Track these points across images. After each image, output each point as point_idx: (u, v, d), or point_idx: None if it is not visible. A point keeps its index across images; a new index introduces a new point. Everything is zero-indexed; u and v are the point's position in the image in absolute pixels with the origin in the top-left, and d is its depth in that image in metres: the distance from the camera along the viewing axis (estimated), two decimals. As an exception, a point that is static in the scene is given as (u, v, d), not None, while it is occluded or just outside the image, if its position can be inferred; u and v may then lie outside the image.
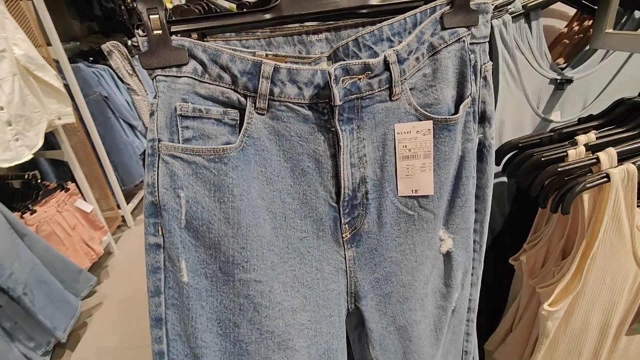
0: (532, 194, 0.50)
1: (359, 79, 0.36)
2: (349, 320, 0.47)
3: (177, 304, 0.38)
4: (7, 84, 1.24)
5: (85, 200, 1.67)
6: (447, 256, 0.46)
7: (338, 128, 0.37)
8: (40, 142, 1.39)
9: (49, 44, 1.54)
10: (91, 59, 1.97)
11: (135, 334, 1.42)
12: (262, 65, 0.34)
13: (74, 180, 1.65)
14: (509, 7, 0.55)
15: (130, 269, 1.80)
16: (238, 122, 0.36)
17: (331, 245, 0.42)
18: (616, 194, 0.44)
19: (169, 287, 0.38)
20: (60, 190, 1.53)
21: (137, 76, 2.26)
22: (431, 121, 0.39)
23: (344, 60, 0.37)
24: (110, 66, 1.93)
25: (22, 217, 1.33)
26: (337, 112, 0.36)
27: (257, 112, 0.36)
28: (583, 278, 0.49)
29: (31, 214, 1.38)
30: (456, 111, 0.41)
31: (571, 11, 0.72)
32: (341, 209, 0.40)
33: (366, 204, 0.41)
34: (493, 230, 0.72)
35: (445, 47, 0.39)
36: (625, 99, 0.52)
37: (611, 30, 0.55)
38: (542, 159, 0.49)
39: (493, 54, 0.58)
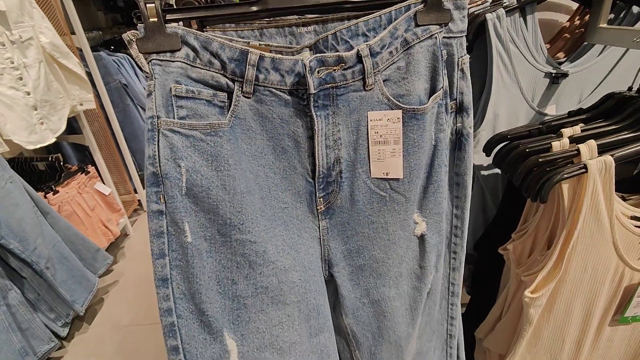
0: (515, 183, 0.51)
1: (334, 70, 0.40)
2: (327, 288, 0.50)
3: (180, 265, 0.41)
4: (33, 70, 1.32)
5: (104, 183, 1.75)
6: (421, 239, 0.49)
7: (313, 113, 0.41)
8: (63, 127, 1.47)
9: (72, 33, 1.62)
10: (112, 47, 2.04)
11: (149, 311, 1.50)
12: (249, 53, 0.38)
13: (94, 164, 1.74)
14: (503, 1, 0.56)
15: (145, 250, 1.88)
16: (226, 103, 0.40)
17: (307, 215, 0.46)
18: (594, 184, 0.45)
19: (172, 250, 0.41)
20: (81, 173, 1.62)
21: (155, 65, 2.32)
22: (401, 110, 0.43)
23: (324, 52, 0.41)
24: (130, 55, 2.00)
25: (45, 197, 1.42)
26: (312, 99, 0.40)
27: (243, 96, 0.40)
28: (564, 266, 0.51)
29: (54, 194, 1.47)
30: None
31: (575, 6, 0.72)
32: (316, 184, 0.44)
33: (340, 181, 0.45)
34: (487, 220, 0.74)
35: (418, 42, 0.42)
36: (615, 94, 0.52)
37: (605, 25, 0.55)
38: (527, 150, 0.51)
39: (487, 48, 0.59)
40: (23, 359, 1.13)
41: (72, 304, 1.33)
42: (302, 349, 0.45)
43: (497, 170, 0.69)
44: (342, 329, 0.52)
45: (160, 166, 0.39)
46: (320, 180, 0.44)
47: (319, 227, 0.47)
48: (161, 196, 0.40)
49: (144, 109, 2.09)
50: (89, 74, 1.65)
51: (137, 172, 2.09)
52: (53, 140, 1.42)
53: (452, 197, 0.52)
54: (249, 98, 0.40)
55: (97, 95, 1.75)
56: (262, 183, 0.43)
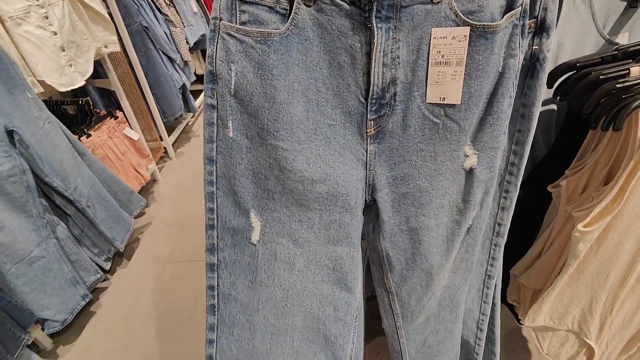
0: (584, 112, 0.49)
1: None
2: (367, 212, 0.51)
3: (223, 152, 0.46)
4: (57, 8, 1.29)
5: (131, 129, 1.78)
6: (470, 173, 0.48)
7: (374, 25, 0.39)
8: (90, 69, 1.46)
9: (92, -30, 1.54)
10: (131, -13, 1.96)
11: (182, 250, 1.59)
12: None
13: (120, 109, 1.75)
14: None
15: (174, 195, 1.95)
16: (287, 11, 0.39)
17: (356, 137, 0.46)
18: None
19: (219, 139, 0.45)
20: (110, 118, 1.64)
21: (175, 7, 2.24)
22: (469, 27, 0.39)
23: None
24: (147, -4, 1.93)
25: (79, 140, 1.45)
26: (375, 8, 0.38)
27: (304, 4, 0.39)
28: (624, 200, 0.50)
29: (87, 137, 1.50)
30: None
31: None
32: (369, 105, 0.44)
33: (393, 104, 0.44)
34: (535, 158, 0.72)
35: None
36: None
37: None
38: (601, 77, 0.47)
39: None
40: (74, 287, 1.23)
41: (113, 240, 1.41)
42: (315, 249, 0.48)
43: (552, 106, 0.66)
44: (378, 251, 0.53)
45: (215, 66, 0.42)
46: (373, 101, 0.43)
47: (367, 151, 0.46)
48: (215, 93, 0.43)
49: (166, 55, 2.05)
50: (110, 16, 1.60)
51: (162, 119, 2.10)
52: (82, 83, 1.42)
53: (513, 131, 0.49)
54: (309, 6, 0.39)
55: (120, 39, 1.71)
56: (311, 96, 0.43)
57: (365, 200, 0.49)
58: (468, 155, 0.46)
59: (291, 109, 0.42)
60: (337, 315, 0.50)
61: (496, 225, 0.55)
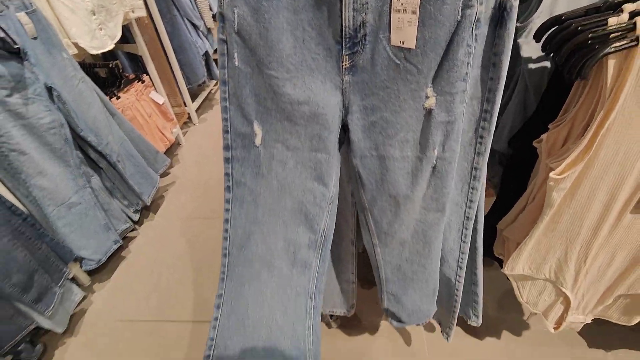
0: (558, 63, 0.51)
1: None
2: (342, 134, 0.60)
3: (232, 77, 0.56)
4: (88, -26, 1.36)
5: (157, 93, 1.88)
6: (429, 113, 0.53)
7: None
8: (119, 34, 1.55)
9: None
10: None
11: (203, 207, 1.71)
12: None
13: (147, 74, 1.85)
14: None
15: (198, 158, 2.07)
16: None
17: (334, 69, 0.53)
18: None
19: (228, 67, 0.56)
20: (138, 82, 1.74)
21: (198, -27, 2.27)
22: None
23: None
24: (172, -38, 1.97)
25: (110, 101, 1.57)
26: None
27: None
28: (595, 148, 0.52)
29: (117, 99, 1.61)
30: None
31: None
32: (344, 43, 0.51)
33: (364, 43, 0.51)
34: (527, 119, 0.74)
35: None
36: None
37: None
38: (579, 27, 0.49)
39: None
40: (107, 232, 1.38)
41: (140, 194, 1.55)
42: (302, 154, 0.60)
43: (546, 64, 0.68)
44: (351, 167, 0.63)
45: (223, 9, 0.50)
46: (347, 40, 0.51)
47: (343, 81, 0.54)
48: (224, 30, 0.52)
49: (190, 21, 2.11)
50: (136, -19, 1.67)
51: (186, 85, 2.19)
52: (112, 46, 1.52)
53: (486, 79, 0.52)
54: None
55: (146, 5, 1.78)
56: (297, 34, 0.51)
57: (342, 121, 0.58)
58: (429, 97, 0.52)
59: (281, 46, 0.51)
60: (315, 201, 0.63)
61: (473, 169, 0.60)
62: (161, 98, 1.83)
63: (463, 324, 1.11)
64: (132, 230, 1.60)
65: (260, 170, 0.61)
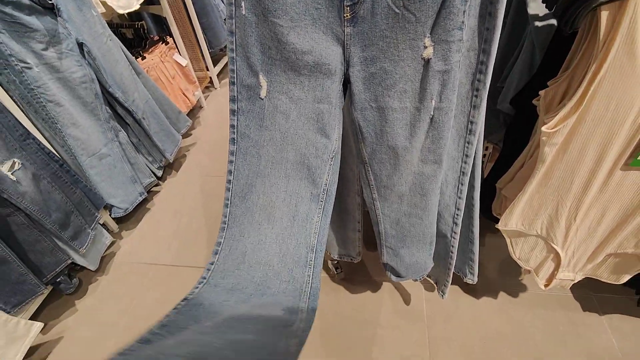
0: (556, 15, 0.52)
1: None
2: (344, 87, 0.62)
3: (239, 27, 0.58)
4: None
5: (180, 55, 1.93)
6: (427, 63, 0.55)
7: None
8: (144, -6, 1.60)
9: None
10: None
11: (222, 166, 1.80)
12: None
13: (171, 36, 1.90)
14: None
15: (217, 121, 2.14)
16: None
17: (336, 20, 0.55)
18: (634, 10, 0.44)
19: (236, 16, 0.58)
20: (162, 43, 1.80)
21: None
22: None
23: None
24: None
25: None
26: None
27: None
28: (586, 101, 0.53)
29: (142, 59, 1.68)
30: None
31: None
32: None
33: None
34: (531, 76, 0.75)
35: None
36: None
37: None
38: (580, -21, 0.49)
39: None
40: (133, 185, 1.49)
41: (164, 152, 1.64)
42: (305, 105, 0.61)
43: (552, 22, 0.67)
44: (353, 120, 0.65)
45: None
46: None
47: (344, 32, 0.56)
48: None
49: (212, -16, 2.12)
50: (161, -59, 1.69)
51: (208, 49, 2.23)
52: (137, 6, 1.57)
53: (482, 30, 0.54)
54: None
55: (170, -34, 1.81)
56: None
57: (343, 74, 0.61)
58: (427, 47, 0.53)
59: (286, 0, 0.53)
60: (317, 153, 0.65)
61: (469, 123, 0.62)
62: (184, 60, 1.89)
63: (462, 284, 1.16)
64: (155, 185, 1.72)
65: (264, 122, 0.63)
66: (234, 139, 0.65)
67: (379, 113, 0.61)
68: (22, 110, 1.14)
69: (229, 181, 0.66)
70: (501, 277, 1.17)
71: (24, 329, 1.03)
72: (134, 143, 1.54)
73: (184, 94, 1.92)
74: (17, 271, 1.03)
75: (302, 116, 0.62)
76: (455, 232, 0.77)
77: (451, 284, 0.97)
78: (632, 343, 0.98)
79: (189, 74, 1.96)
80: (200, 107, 2.25)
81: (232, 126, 0.64)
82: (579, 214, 0.68)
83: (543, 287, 0.84)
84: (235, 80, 0.61)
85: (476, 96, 0.59)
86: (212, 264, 0.66)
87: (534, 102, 0.67)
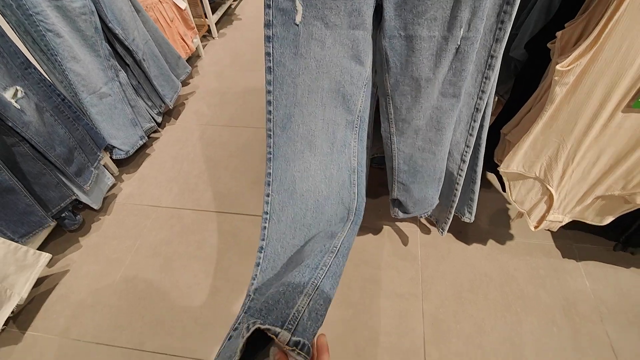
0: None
1: None
2: (375, 15, 0.62)
3: None
4: None
5: (179, -3, 1.85)
6: None
7: None
8: None
9: None
10: None
11: (221, 115, 1.78)
12: None
13: (169, -25, 1.80)
14: None
15: (216, 70, 2.09)
16: None
17: None
18: None
19: None
20: (160, -18, 1.71)
21: None
22: None
23: None
24: None
25: (134, -2, 1.56)
26: None
27: None
28: (602, 40, 0.56)
29: (140, -3, 1.60)
30: None
31: None
32: None
33: None
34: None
35: None
36: None
37: None
38: None
39: None
40: (134, 127, 1.47)
41: (163, 97, 1.62)
42: (340, 32, 0.62)
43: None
44: (379, 49, 0.66)
45: None
46: None
47: None
48: None
49: None
50: None
51: (207, -6, 2.13)
52: (136, -63, 1.47)
53: None
54: None
55: None
56: None
57: (376, 1, 0.61)
58: None
59: None
60: (352, 80, 0.66)
61: (489, 57, 0.64)
62: (183, 3, 1.81)
63: (455, 232, 1.23)
64: (155, 132, 1.70)
65: (298, 50, 0.62)
66: (270, 67, 0.63)
67: (407, 42, 0.62)
68: (19, 39, 1.10)
69: (269, 112, 0.66)
70: (491, 227, 1.25)
71: (33, 259, 1.06)
72: (133, 86, 1.50)
73: (182, 39, 1.86)
74: (24, 201, 1.04)
75: (337, 43, 0.62)
76: (461, 170, 0.82)
77: (445, 232, 1.04)
78: (602, 286, 1.08)
79: (187, 18, 1.89)
80: (199, 57, 2.19)
81: (267, 54, 0.62)
82: (577, 155, 0.73)
83: (533, 229, 0.91)
84: (271, 2, 0.60)
85: (500, 29, 0.60)
86: (268, 195, 0.70)
87: (549, 45, 0.69)
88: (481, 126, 0.76)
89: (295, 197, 0.70)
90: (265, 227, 0.70)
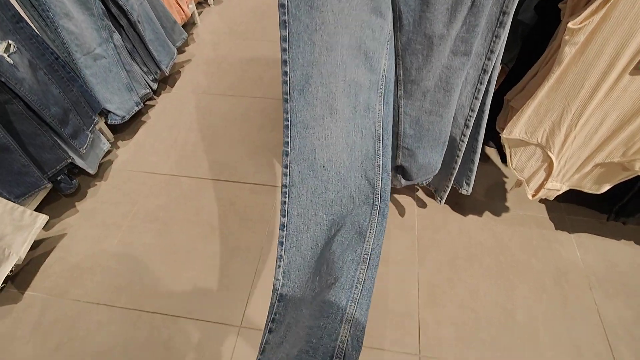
0: None
1: None
2: None
3: None
4: None
5: (175, -42, 1.77)
6: None
7: None
8: None
9: None
10: None
11: (218, 84, 1.75)
12: None
13: None
14: None
15: (212, 38, 2.04)
16: None
17: None
18: None
19: None
20: (155, -60, 1.63)
21: None
22: None
23: None
24: None
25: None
26: None
27: None
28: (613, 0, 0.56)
29: (134, -44, 1.53)
30: None
31: None
32: None
33: None
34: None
35: None
36: None
37: None
38: None
39: None
40: (129, 93, 1.44)
41: (159, 63, 1.57)
42: None
43: None
44: (394, 8, 0.63)
45: None
46: None
47: None
48: None
49: None
50: None
51: (203, -43, 2.05)
52: None
53: None
54: None
55: None
56: None
57: None
58: None
59: None
60: (374, 36, 0.61)
61: (501, 14, 0.62)
62: (179, -36, 1.74)
63: (452, 203, 1.25)
64: (150, 99, 1.67)
65: (314, 2, 0.57)
66: (285, 21, 0.58)
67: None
68: (9, -9, 1.05)
69: (285, 73, 0.62)
70: (487, 199, 1.27)
71: (30, 219, 1.05)
72: (128, 49, 1.46)
73: (178, 3, 1.80)
74: (19, 161, 1.02)
75: None
76: (464, 136, 0.82)
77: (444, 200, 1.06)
78: (593, 256, 1.11)
79: (183, -19, 1.82)
80: (194, 24, 2.12)
81: (282, 5, 0.58)
82: (580, 120, 0.73)
83: (530, 197, 0.93)
84: None
85: None
86: (286, 167, 0.66)
87: (560, 5, 0.68)
88: (486, 91, 0.75)
89: (315, 168, 0.65)
90: (285, 202, 0.66)
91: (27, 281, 1.09)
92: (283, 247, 0.65)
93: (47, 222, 1.09)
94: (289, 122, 0.64)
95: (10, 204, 1.00)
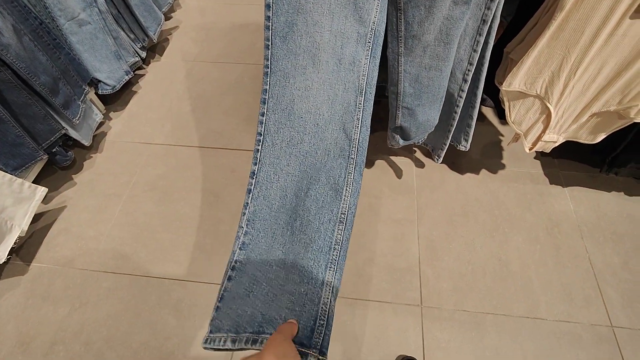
0: None
1: None
2: None
3: None
4: None
5: None
6: None
7: None
8: None
9: None
10: None
11: (208, 51, 1.70)
12: None
13: None
14: None
15: (199, 3, 1.96)
16: None
17: None
18: None
19: None
20: None
21: None
22: None
23: None
24: None
25: None
26: None
27: None
28: None
29: None
30: None
31: None
32: None
33: None
34: None
35: None
36: None
37: None
38: None
39: None
40: (118, 61, 1.39)
41: (146, 29, 1.52)
42: None
43: None
44: None
45: None
46: None
47: None
48: None
49: None
50: None
51: None
52: None
53: None
54: None
55: None
56: None
57: None
58: None
59: None
60: None
61: None
62: None
63: (449, 163, 1.27)
64: (140, 69, 1.62)
65: None
66: None
67: None
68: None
69: (267, 17, 0.60)
70: (484, 158, 1.29)
71: (29, 191, 1.04)
72: (113, 15, 1.40)
73: (161, -35, 1.71)
74: (13, 132, 1.00)
75: None
76: (462, 91, 0.82)
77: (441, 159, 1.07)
78: (585, 207, 1.16)
79: (165, -59, 1.72)
80: (179, -10, 2.03)
81: None
82: (579, 68, 0.73)
83: (527, 150, 0.95)
84: None
85: None
86: (262, 114, 0.65)
87: (562, -51, 0.67)
88: (486, 42, 0.75)
89: (292, 119, 0.64)
90: (257, 150, 0.65)
91: (32, 253, 1.10)
92: (250, 195, 0.63)
93: (45, 195, 1.08)
94: (269, 70, 0.63)
95: (8, 175, 0.98)
